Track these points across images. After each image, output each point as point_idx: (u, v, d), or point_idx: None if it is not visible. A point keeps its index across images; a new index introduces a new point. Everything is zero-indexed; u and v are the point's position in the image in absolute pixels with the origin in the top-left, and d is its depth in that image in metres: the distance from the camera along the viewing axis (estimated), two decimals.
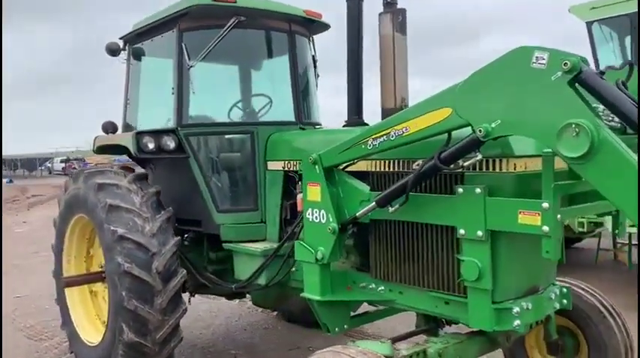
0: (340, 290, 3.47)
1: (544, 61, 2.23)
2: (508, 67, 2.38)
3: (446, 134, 2.66)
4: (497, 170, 2.71)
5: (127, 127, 5.08)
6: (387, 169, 3.22)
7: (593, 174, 2.15)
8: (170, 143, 4.27)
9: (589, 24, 7.53)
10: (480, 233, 2.67)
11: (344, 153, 3.12)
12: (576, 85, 2.19)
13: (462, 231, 2.74)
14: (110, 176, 4.32)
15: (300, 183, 3.97)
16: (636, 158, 2.05)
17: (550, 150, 2.40)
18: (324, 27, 4.87)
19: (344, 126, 4.14)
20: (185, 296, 4.37)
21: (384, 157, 3.18)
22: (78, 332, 4.68)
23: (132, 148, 4.27)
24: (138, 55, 5.01)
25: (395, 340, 3.15)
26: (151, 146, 4.24)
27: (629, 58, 7.47)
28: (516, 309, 2.75)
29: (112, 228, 3.94)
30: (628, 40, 7.56)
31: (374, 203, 3.00)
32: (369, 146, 2.95)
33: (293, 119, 4.56)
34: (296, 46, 4.59)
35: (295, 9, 4.58)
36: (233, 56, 4.80)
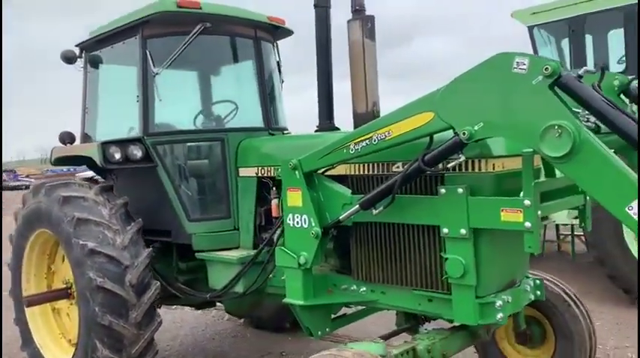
0: (321, 293, 3.51)
1: (525, 66, 2.36)
2: (489, 73, 2.49)
3: (427, 137, 2.76)
4: (477, 170, 2.83)
5: (86, 137, 4.91)
6: (366, 172, 3.28)
7: (575, 172, 2.29)
8: (137, 152, 4.17)
9: (530, 28, 7.95)
10: (463, 231, 2.78)
11: (325, 157, 3.16)
12: (555, 88, 2.34)
13: (445, 230, 2.85)
14: (75, 188, 4.17)
15: (274, 188, 3.99)
16: (614, 156, 2.21)
17: (530, 150, 2.54)
18: (288, 33, 4.90)
19: (316, 131, 4.19)
20: None
21: (362, 161, 3.25)
22: (42, 353, 4.47)
23: (98, 159, 4.13)
24: (95, 62, 4.87)
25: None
26: (118, 156, 4.13)
27: (566, 60, 7.93)
28: (499, 303, 2.88)
29: (81, 242, 3.80)
30: (565, 42, 8.03)
31: (357, 205, 3.05)
32: (351, 150, 3.01)
33: (262, 125, 4.56)
34: (262, 52, 4.60)
35: (260, 15, 4.58)
36: (198, 63, 4.75)
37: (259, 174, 4.10)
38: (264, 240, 3.99)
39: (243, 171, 4.24)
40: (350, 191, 3.25)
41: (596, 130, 2.63)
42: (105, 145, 4.14)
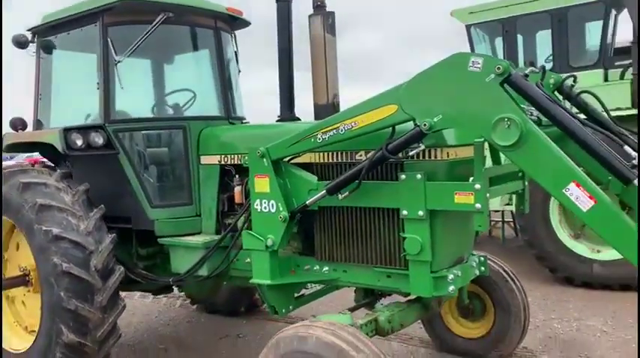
0: (286, 274, 3.73)
1: (479, 65, 2.67)
2: (448, 70, 2.79)
3: (390, 128, 3.03)
4: (433, 158, 3.14)
5: (39, 124, 4.84)
6: (331, 160, 3.52)
7: (521, 159, 2.63)
8: (98, 139, 4.20)
9: (468, 27, 8.43)
10: (421, 213, 3.08)
11: (293, 146, 3.37)
12: (505, 85, 2.66)
13: (405, 212, 3.13)
14: (34, 175, 4.15)
15: (237, 176, 4.15)
16: (554, 145, 2.56)
17: (481, 139, 2.86)
18: (245, 24, 5.03)
19: (277, 121, 4.37)
20: None
21: (327, 149, 3.48)
22: None
23: (59, 145, 4.13)
24: (49, 48, 4.80)
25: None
26: (80, 143, 4.15)
27: (502, 58, 8.50)
28: (451, 276, 3.21)
29: (44, 228, 3.81)
30: (498, 41, 8.59)
31: (324, 191, 3.29)
32: (319, 139, 3.23)
33: (221, 114, 4.69)
34: (222, 42, 4.72)
35: (219, 6, 4.69)
36: (158, 51, 4.80)
37: (222, 162, 4.24)
38: (226, 226, 4.15)
39: (205, 159, 4.37)
40: (316, 178, 3.48)
41: (539, 123, 2.98)
42: (67, 132, 4.14)
